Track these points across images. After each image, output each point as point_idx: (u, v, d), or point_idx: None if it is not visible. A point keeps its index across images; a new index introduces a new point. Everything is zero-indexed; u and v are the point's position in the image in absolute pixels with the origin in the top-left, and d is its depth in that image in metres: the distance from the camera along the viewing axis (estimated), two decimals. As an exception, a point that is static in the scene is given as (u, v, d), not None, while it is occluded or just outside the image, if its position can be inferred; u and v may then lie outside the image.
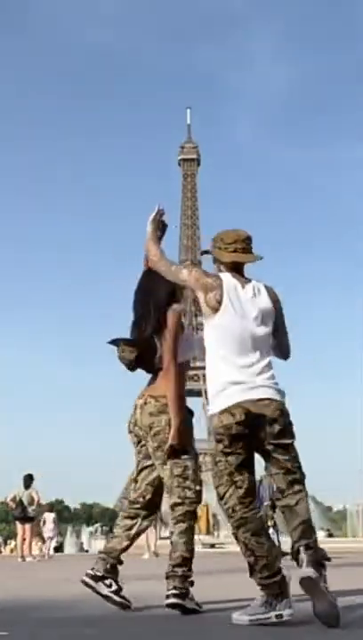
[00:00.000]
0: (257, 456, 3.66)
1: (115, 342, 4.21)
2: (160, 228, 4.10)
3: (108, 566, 4.05)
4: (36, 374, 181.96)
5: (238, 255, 3.77)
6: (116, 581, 4.05)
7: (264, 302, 3.74)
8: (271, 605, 3.40)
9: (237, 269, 3.79)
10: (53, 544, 18.86)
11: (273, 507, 12.43)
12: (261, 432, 3.54)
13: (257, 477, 3.69)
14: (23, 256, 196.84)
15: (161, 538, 19.16)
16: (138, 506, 4.15)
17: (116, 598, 3.99)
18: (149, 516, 4.16)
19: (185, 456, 4.01)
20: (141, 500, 4.14)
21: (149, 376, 4.23)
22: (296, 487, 3.55)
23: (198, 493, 4.02)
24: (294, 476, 3.56)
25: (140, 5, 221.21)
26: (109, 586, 4.00)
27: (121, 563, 4.12)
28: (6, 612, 4.42)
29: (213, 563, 11.92)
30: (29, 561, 14.46)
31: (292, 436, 3.61)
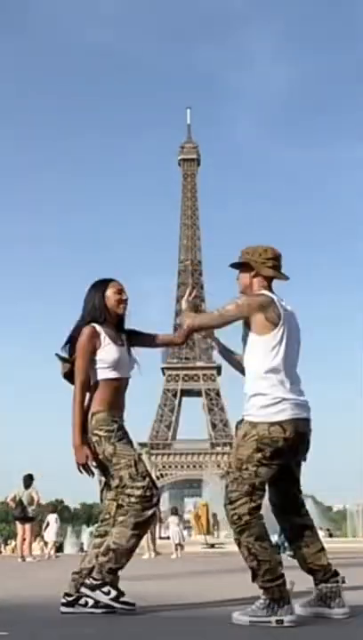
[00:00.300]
0: None
1: (57, 354, 4.28)
2: (193, 305, 4.16)
3: (79, 586, 4.02)
4: (36, 374, 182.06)
5: (276, 272, 3.82)
6: (89, 595, 3.99)
7: (295, 319, 3.81)
8: (273, 610, 3.40)
9: (269, 285, 3.82)
10: (51, 546, 18.67)
11: None
12: (299, 450, 3.65)
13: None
14: (28, 254, 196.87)
15: (161, 538, 19.21)
16: (106, 523, 4.11)
17: (98, 611, 3.93)
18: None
19: (116, 467, 3.94)
20: (107, 516, 4.11)
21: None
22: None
23: (143, 493, 3.89)
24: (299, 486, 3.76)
25: (140, 5, 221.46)
26: (85, 605, 3.96)
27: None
28: (6, 611, 4.42)
29: (214, 563, 11.92)
30: (29, 561, 14.45)
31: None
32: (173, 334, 4.42)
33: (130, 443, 4.07)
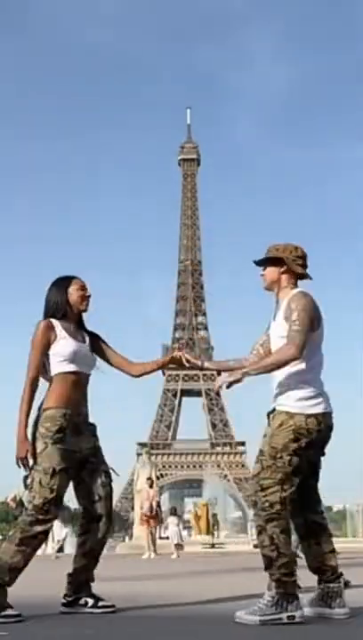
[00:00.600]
0: None
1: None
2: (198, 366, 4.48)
3: (76, 586, 4.02)
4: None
5: (305, 271, 3.88)
6: (90, 595, 4.01)
7: None
8: (282, 606, 3.40)
9: (296, 283, 3.86)
10: (57, 546, 18.58)
11: None
12: (326, 443, 3.71)
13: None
14: (27, 254, 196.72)
15: (161, 538, 19.21)
16: (84, 521, 4.06)
17: (98, 611, 3.95)
18: (97, 524, 4.01)
19: (37, 467, 3.87)
20: (85, 513, 4.06)
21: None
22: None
23: (42, 502, 3.79)
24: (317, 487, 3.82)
25: (140, 5, 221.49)
26: (85, 605, 3.98)
27: (92, 580, 4.07)
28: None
29: (214, 563, 11.92)
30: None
31: None
32: (134, 364, 4.27)
33: (66, 451, 3.91)
